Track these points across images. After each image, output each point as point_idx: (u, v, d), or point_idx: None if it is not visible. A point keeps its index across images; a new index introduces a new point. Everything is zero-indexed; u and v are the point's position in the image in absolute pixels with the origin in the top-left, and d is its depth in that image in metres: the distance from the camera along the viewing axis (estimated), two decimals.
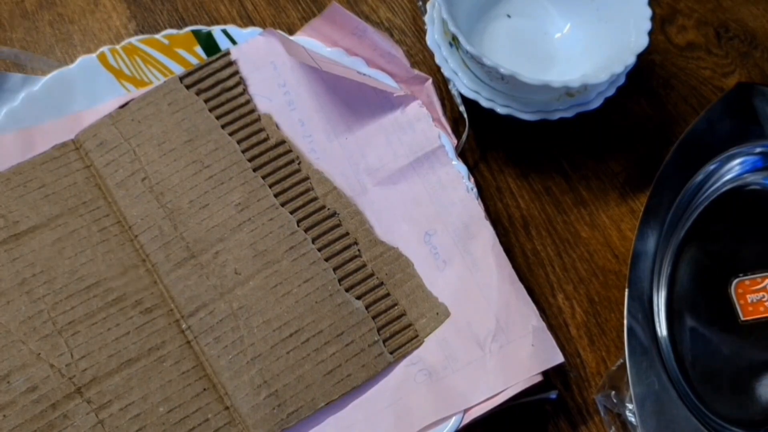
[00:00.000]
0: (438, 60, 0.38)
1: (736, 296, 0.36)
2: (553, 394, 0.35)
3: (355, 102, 0.38)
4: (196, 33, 0.39)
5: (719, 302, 0.36)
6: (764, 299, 0.36)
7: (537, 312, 0.34)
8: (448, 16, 0.35)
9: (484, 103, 0.38)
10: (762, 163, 0.38)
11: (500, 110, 0.38)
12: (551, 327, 0.37)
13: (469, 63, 0.38)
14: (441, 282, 0.36)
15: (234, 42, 0.39)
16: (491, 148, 0.40)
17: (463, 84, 0.38)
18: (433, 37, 0.39)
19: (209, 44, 0.39)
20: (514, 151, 0.40)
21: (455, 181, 0.37)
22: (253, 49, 0.39)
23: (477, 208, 0.36)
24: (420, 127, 0.38)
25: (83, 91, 0.38)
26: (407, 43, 0.42)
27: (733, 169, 0.38)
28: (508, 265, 0.35)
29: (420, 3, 0.43)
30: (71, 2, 0.42)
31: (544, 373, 0.34)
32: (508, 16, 0.41)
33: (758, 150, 0.38)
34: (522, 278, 0.37)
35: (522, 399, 0.34)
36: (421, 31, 0.43)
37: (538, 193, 0.40)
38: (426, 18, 0.39)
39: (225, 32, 0.39)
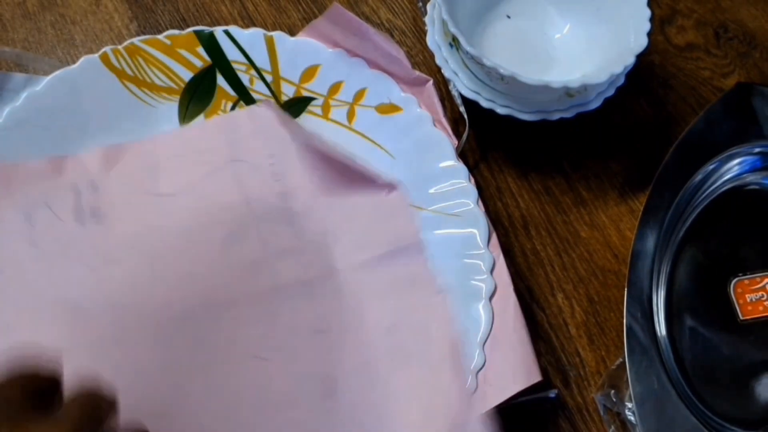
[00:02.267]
0: (438, 61, 0.39)
1: (735, 296, 0.36)
2: (552, 393, 0.35)
3: (340, 181, 0.37)
4: (198, 33, 0.39)
5: (718, 302, 0.36)
6: (763, 299, 0.36)
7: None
8: (448, 17, 0.35)
9: (484, 104, 0.38)
10: (761, 163, 0.38)
11: (500, 110, 0.38)
12: (551, 326, 0.37)
13: (469, 64, 0.38)
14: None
15: (236, 42, 0.39)
16: (491, 148, 0.41)
17: (463, 84, 0.38)
18: (434, 38, 0.39)
19: (211, 45, 0.39)
20: (514, 151, 0.40)
21: (424, 282, 0.36)
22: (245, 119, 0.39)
23: (444, 312, 0.35)
24: (399, 221, 0.37)
25: (86, 91, 0.38)
26: (408, 44, 0.43)
27: (732, 169, 0.38)
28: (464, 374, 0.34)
29: (420, 4, 0.43)
30: (73, 3, 0.43)
31: (544, 373, 0.34)
32: (508, 16, 0.41)
33: (757, 150, 0.38)
34: (522, 278, 0.37)
35: (521, 398, 0.34)
36: (421, 32, 0.43)
37: (538, 193, 0.40)
38: (426, 19, 0.39)
39: (227, 33, 0.40)
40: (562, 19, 0.41)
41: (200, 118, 0.40)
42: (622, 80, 0.38)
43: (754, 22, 0.44)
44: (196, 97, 0.40)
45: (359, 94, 0.40)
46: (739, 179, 0.38)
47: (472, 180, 0.37)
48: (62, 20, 0.42)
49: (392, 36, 0.42)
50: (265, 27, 0.42)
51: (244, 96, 0.40)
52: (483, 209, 0.37)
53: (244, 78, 0.40)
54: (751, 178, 0.38)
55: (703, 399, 0.35)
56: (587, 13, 0.40)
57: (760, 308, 0.36)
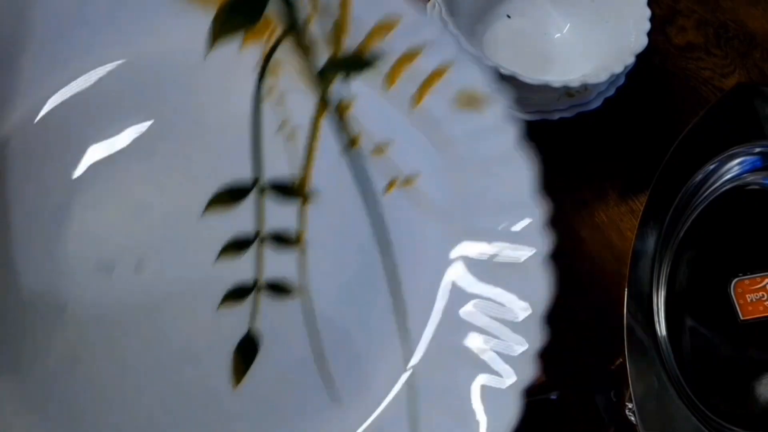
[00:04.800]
0: None
1: (736, 296, 0.36)
2: (553, 395, 0.35)
3: None
4: None
5: (719, 302, 0.36)
6: (764, 299, 0.36)
7: None
8: (448, 17, 0.35)
9: None
10: (761, 162, 0.38)
11: None
12: (550, 327, 0.37)
13: None
14: None
15: None
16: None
17: None
18: None
19: None
20: None
21: None
22: None
23: None
24: None
25: None
26: None
27: (732, 169, 0.38)
28: None
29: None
30: None
31: (545, 374, 0.34)
32: (508, 16, 0.41)
33: (758, 150, 0.38)
34: None
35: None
36: None
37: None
38: None
39: None
40: (562, 19, 0.41)
41: (234, 45, 0.32)
42: (622, 80, 0.38)
43: (754, 22, 0.44)
44: (238, 12, 0.32)
45: (437, 73, 0.31)
46: (739, 179, 0.38)
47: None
48: None
49: None
50: None
51: (296, 30, 0.32)
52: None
53: (303, 9, 0.31)
54: (751, 178, 0.38)
55: (703, 399, 0.34)
56: (587, 12, 0.40)
57: (761, 308, 0.36)
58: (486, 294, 0.31)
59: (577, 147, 0.41)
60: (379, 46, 0.31)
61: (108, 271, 0.31)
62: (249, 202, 0.32)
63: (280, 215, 0.32)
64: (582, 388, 0.36)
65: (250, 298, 0.31)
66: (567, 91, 0.37)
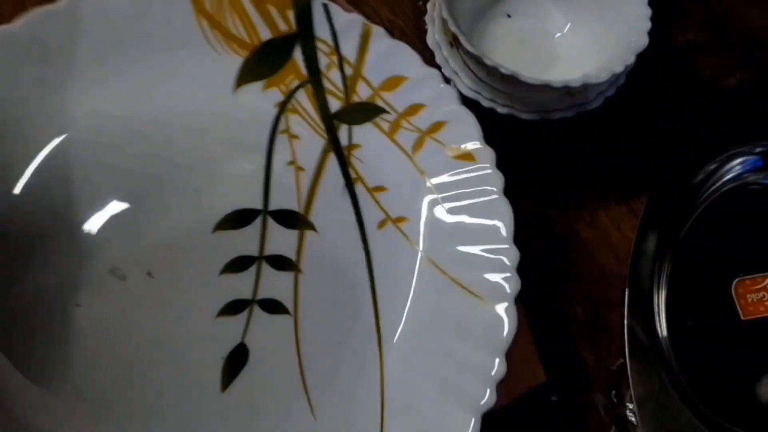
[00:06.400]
0: (438, 60, 0.38)
1: (737, 296, 0.36)
2: (554, 396, 0.35)
3: None
4: None
5: (719, 302, 0.36)
6: (765, 299, 0.36)
7: None
8: (448, 16, 0.35)
9: (485, 103, 0.38)
10: (762, 162, 0.38)
11: (501, 110, 0.38)
12: (551, 327, 0.37)
13: (470, 63, 0.38)
14: None
15: (330, 20, 0.35)
16: (491, 147, 0.40)
17: (463, 84, 0.38)
18: (434, 37, 0.39)
19: (304, 12, 0.35)
20: (514, 151, 0.40)
21: None
22: None
23: None
24: None
25: (156, 5, 0.35)
26: (408, 44, 0.42)
27: (733, 168, 0.38)
28: None
29: (420, 3, 0.43)
30: None
31: (545, 374, 0.34)
32: (509, 15, 0.41)
33: (758, 150, 0.38)
34: (522, 279, 0.37)
35: (522, 400, 0.34)
36: (421, 32, 0.43)
37: (538, 193, 0.40)
38: (426, 18, 0.39)
39: (326, 7, 0.36)
40: (562, 18, 0.41)
41: (258, 85, 0.36)
42: (623, 80, 0.38)
43: (756, 21, 0.44)
44: (264, 61, 0.36)
45: (436, 126, 0.35)
46: (740, 179, 0.38)
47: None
48: None
49: (392, 36, 0.42)
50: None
51: (316, 79, 0.36)
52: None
53: (323, 60, 0.36)
54: (752, 178, 0.38)
55: (704, 400, 0.34)
56: (588, 11, 0.40)
57: (762, 308, 0.36)
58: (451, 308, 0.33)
59: (578, 146, 0.41)
60: (388, 99, 0.36)
61: (121, 278, 0.34)
62: (255, 226, 0.35)
63: (282, 240, 0.35)
64: (582, 389, 0.36)
65: (245, 313, 0.34)
66: (567, 91, 0.37)
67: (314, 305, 0.34)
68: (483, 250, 0.33)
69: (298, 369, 0.33)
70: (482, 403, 0.30)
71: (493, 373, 0.30)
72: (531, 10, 0.41)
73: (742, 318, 0.36)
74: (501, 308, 0.32)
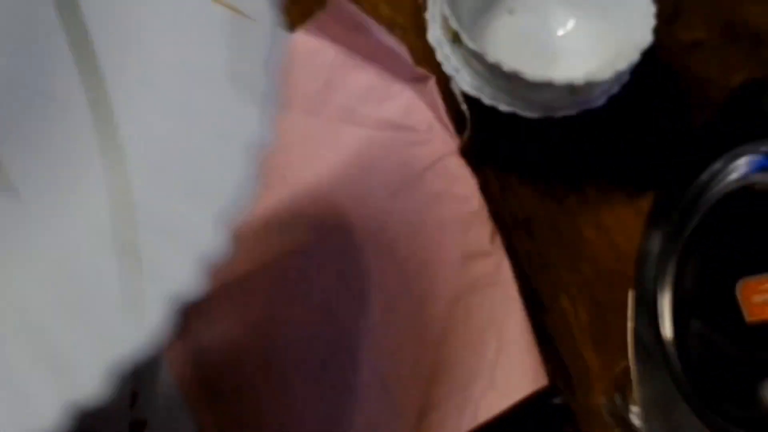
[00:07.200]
0: (439, 57, 0.38)
1: (742, 297, 0.36)
2: (556, 399, 0.35)
3: None
4: None
5: (725, 303, 0.36)
6: None
7: None
8: (449, 13, 0.35)
9: (487, 101, 0.37)
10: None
11: (503, 108, 0.37)
12: (555, 329, 0.37)
13: (471, 60, 0.37)
14: None
15: None
16: (493, 146, 0.40)
17: (465, 81, 0.38)
18: (435, 34, 0.38)
19: None
20: (516, 150, 0.40)
21: None
22: None
23: None
24: None
25: None
26: (408, 41, 0.42)
27: (738, 168, 0.38)
28: None
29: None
30: None
31: (548, 377, 0.34)
32: (511, 12, 0.41)
33: (764, 149, 0.38)
34: (526, 280, 0.37)
35: (526, 403, 0.34)
36: (422, 29, 0.42)
37: (542, 193, 0.39)
38: (427, 15, 0.39)
39: None
40: (565, 15, 0.41)
41: None
42: (627, 77, 0.38)
43: (761, 19, 0.44)
44: None
45: None
46: (745, 179, 0.38)
47: (475, 179, 0.36)
48: None
49: (392, 33, 0.42)
50: None
51: None
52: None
53: None
54: (757, 177, 0.38)
55: (709, 402, 0.34)
56: (591, 9, 0.39)
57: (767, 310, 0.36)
58: None
59: (581, 145, 0.40)
60: None
61: None
62: None
63: None
64: (586, 392, 0.36)
65: None
66: (571, 89, 0.37)
67: None
68: None
69: None
70: None
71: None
72: (533, 7, 0.41)
73: (748, 319, 0.36)
74: None
